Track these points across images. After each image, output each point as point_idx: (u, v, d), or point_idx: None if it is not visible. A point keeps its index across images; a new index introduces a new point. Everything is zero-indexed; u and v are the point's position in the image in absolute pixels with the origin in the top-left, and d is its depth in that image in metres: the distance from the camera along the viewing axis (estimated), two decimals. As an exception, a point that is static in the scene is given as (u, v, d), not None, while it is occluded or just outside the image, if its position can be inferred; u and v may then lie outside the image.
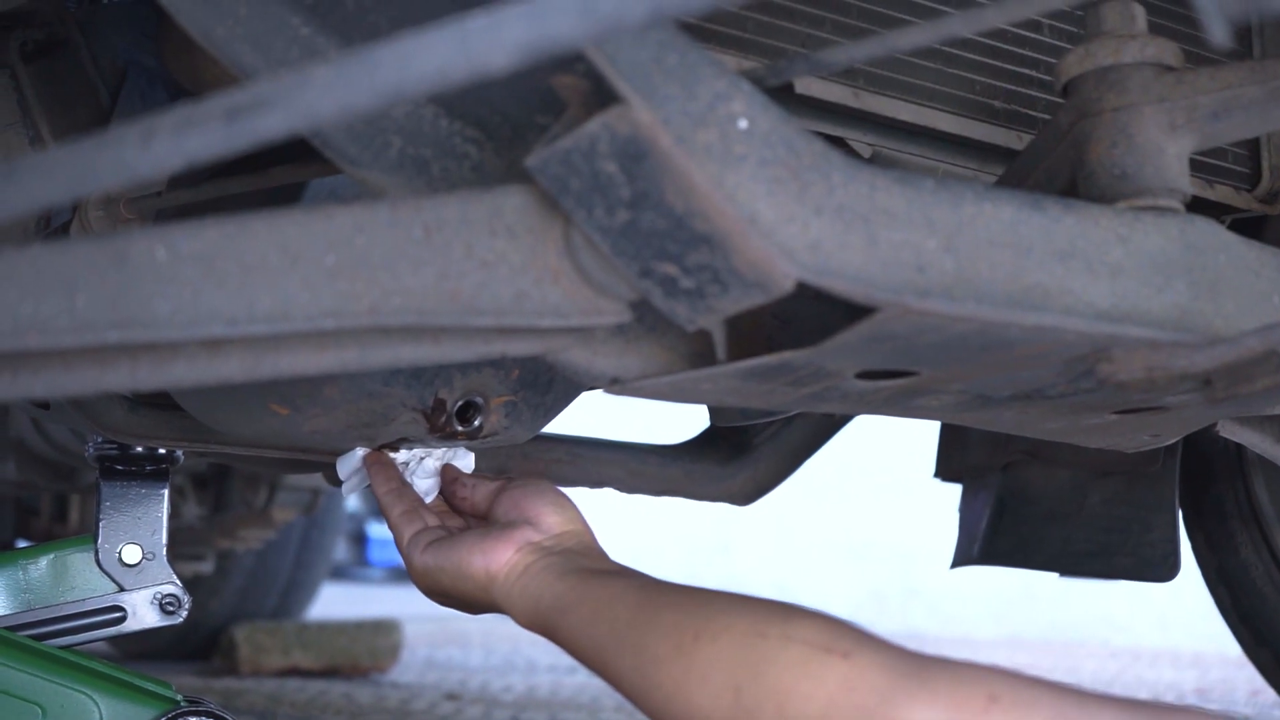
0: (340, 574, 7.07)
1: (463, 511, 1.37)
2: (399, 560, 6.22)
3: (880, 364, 1.02)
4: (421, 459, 1.41)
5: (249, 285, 0.88)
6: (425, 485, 1.40)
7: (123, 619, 1.67)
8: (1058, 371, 1.05)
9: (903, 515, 6.02)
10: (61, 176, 0.83)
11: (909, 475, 5.96)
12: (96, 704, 1.57)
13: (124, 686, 1.60)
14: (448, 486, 1.39)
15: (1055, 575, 1.89)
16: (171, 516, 1.98)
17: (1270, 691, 2.07)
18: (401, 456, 1.42)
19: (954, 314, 0.93)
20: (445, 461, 1.41)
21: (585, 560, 1.25)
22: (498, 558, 1.25)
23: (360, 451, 1.46)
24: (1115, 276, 0.98)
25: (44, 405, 1.60)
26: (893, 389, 1.08)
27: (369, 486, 1.45)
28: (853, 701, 0.97)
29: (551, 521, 1.29)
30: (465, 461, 1.41)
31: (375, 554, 7.90)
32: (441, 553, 1.29)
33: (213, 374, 0.91)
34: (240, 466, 2.69)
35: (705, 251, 0.89)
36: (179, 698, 1.61)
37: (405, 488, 1.39)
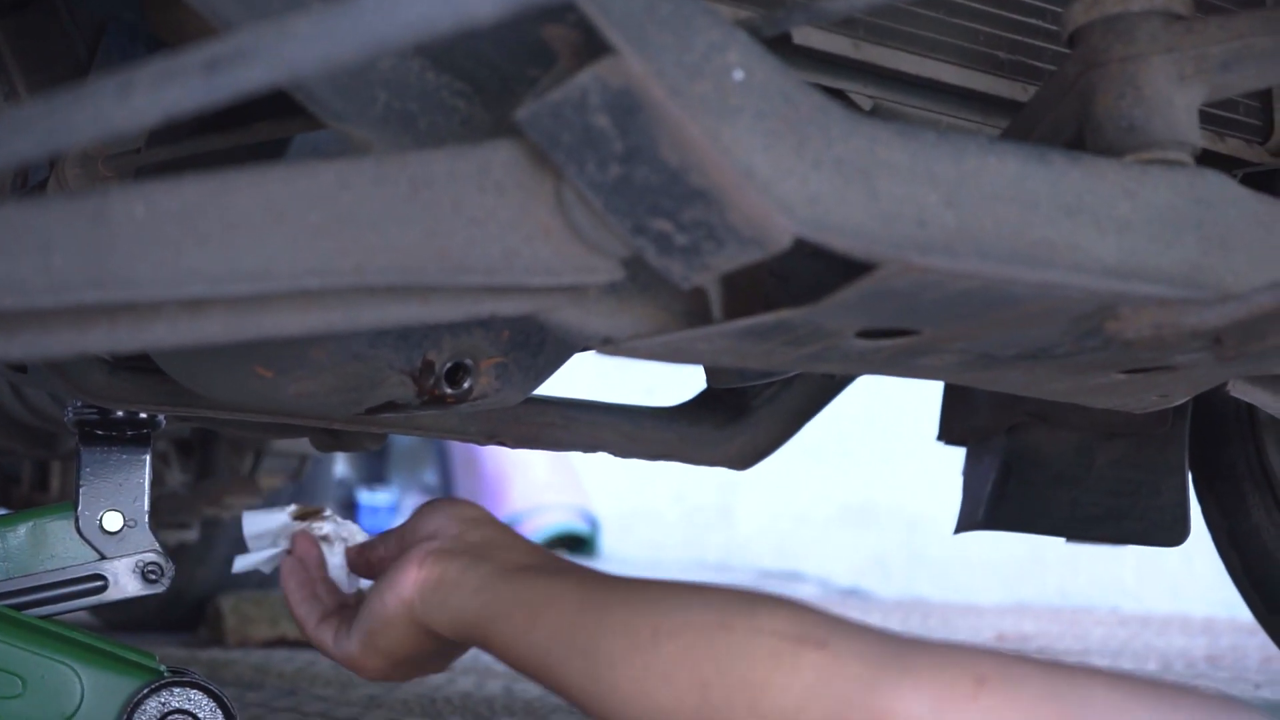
0: (334, 542, 7.06)
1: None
2: (390, 526, 6.22)
3: (881, 322, 1.00)
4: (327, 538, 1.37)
5: (231, 243, 0.85)
6: (337, 562, 1.37)
7: (104, 588, 1.65)
8: (1064, 330, 1.03)
9: (906, 480, 6.01)
10: (37, 131, 0.81)
11: (912, 439, 5.95)
12: (78, 675, 1.55)
13: (106, 657, 1.58)
14: (356, 558, 1.35)
15: (1062, 540, 1.86)
16: (155, 484, 1.96)
17: (1281, 659, 2.05)
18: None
19: (956, 270, 0.90)
20: (343, 542, 1.37)
21: (501, 555, 1.19)
22: (404, 583, 1.20)
23: (282, 516, 1.40)
24: (1123, 231, 0.96)
25: (21, 369, 1.57)
26: (894, 348, 1.05)
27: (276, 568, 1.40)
28: (832, 692, 0.93)
29: (446, 526, 1.24)
30: (354, 532, 1.38)
31: (365, 522, 7.89)
32: (357, 618, 1.25)
33: (194, 335, 0.88)
34: (225, 432, 2.67)
35: (700, 207, 0.87)
36: (163, 668, 1.59)
37: (316, 586, 1.35)
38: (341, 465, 7.61)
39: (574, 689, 1.07)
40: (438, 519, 1.25)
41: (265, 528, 1.42)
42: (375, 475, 8.20)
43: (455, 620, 1.17)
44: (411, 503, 8.06)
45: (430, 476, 8.16)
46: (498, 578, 1.15)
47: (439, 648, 1.24)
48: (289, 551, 1.39)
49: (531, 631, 1.10)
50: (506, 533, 1.24)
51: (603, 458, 1.80)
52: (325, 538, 1.38)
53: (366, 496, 7.93)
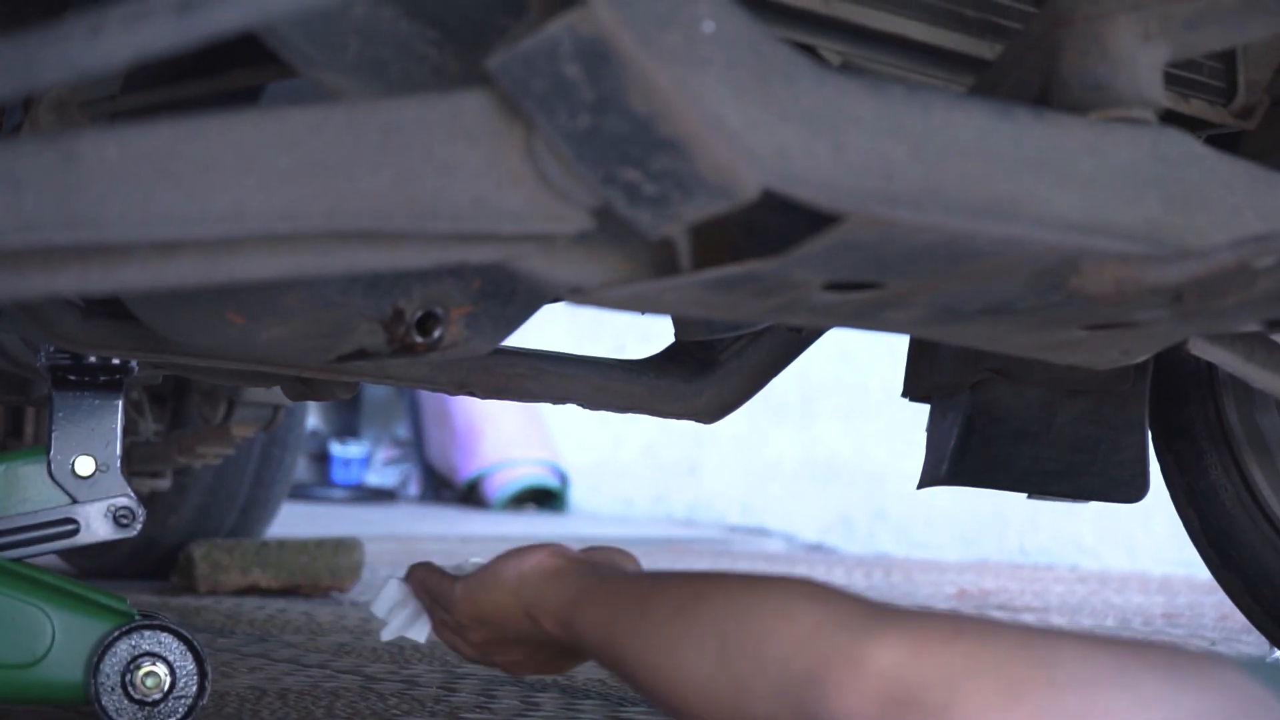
0: (302, 493, 7.05)
1: None
2: (362, 479, 6.17)
3: (847, 275, 1.01)
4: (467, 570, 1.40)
5: (202, 186, 0.86)
6: None
7: (75, 531, 1.66)
8: (1027, 284, 1.04)
9: (871, 438, 6.04)
10: (6, 71, 0.81)
11: (877, 397, 5.97)
12: (49, 617, 1.56)
13: (77, 600, 1.59)
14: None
15: (1023, 497, 1.88)
16: (128, 433, 1.96)
17: (1238, 616, 2.07)
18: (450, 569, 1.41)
19: (921, 223, 0.92)
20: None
21: (618, 565, 1.30)
22: (529, 560, 1.29)
23: (394, 581, 1.44)
24: (1086, 187, 0.97)
25: (-8, 312, 1.58)
26: (860, 301, 1.07)
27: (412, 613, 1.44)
28: (823, 637, 0.99)
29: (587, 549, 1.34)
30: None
31: (338, 473, 7.89)
32: (476, 574, 1.34)
33: (165, 277, 0.89)
34: (197, 379, 2.67)
35: (669, 157, 0.87)
36: (134, 612, 1.60)
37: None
38: (314, 418, 7.61)
39: (627, 662, 1.15)
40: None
41: (391, 599, 1.44)
42: (347, 429, 8.21)
43: (553, 608, 1.26)
44: (383, 455, 8.08)
45: (402, 430, 8.17)
46: (599, 578, 1.24)
47: (526, 634, 1.31)
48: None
49: (602, 615, 1.20)
50: (631, 561, 1.33)
51: (573, 412, 1.81)
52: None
53: (339, 449, 7.94)
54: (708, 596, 1.09)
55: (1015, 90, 1.10)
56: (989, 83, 1.12)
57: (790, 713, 0.99)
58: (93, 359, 1.63)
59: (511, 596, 1.29)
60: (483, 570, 1.33)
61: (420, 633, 1.44)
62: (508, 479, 7.30)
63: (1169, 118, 1.30)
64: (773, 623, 1.03)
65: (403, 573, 1.44)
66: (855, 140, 0.90)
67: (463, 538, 5.37)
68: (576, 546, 1.34)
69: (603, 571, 1.26)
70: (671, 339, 1.84)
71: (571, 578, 1.26)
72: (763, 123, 0.87)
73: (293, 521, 4.16)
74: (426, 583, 1.41)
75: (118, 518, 1.66)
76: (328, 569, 3.31)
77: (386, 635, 1.45)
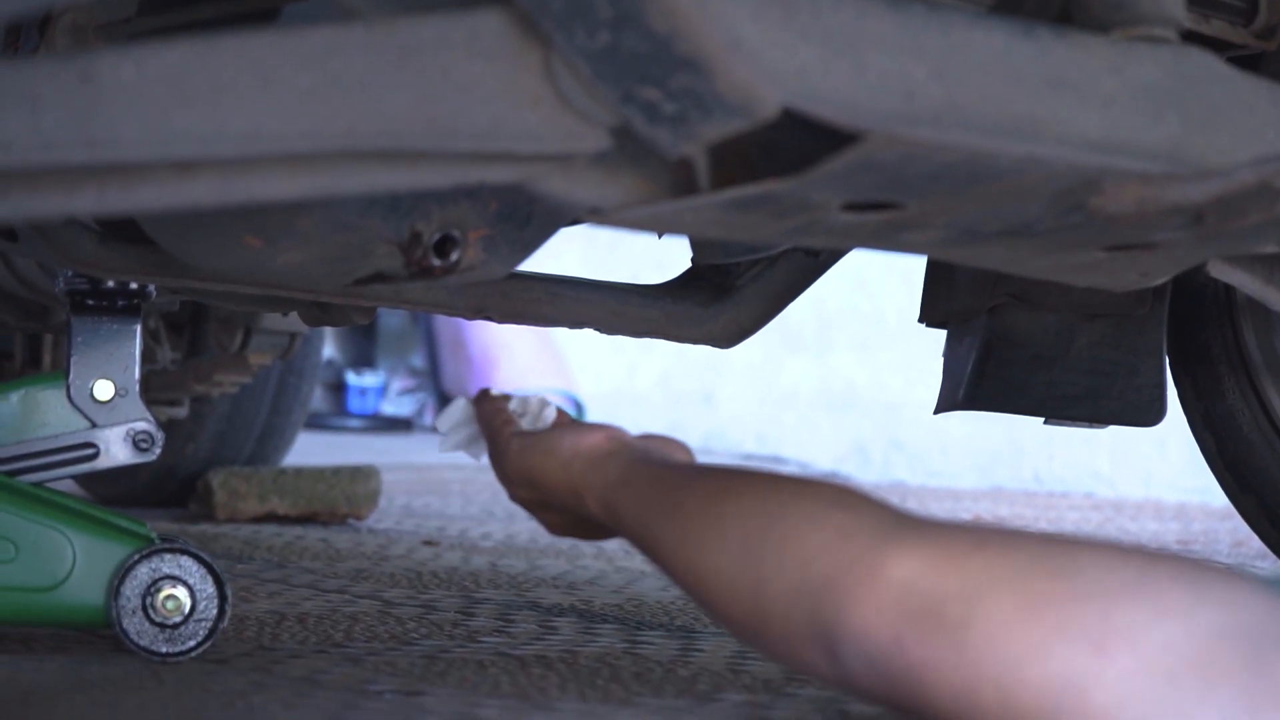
0: (319, 423, 7.07)
1: None
2: (378, 408, 6.17)
3: (866, 195, 1.00)
4: (532, 406, 1.41)
5: (219, 106, 0.86)
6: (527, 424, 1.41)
7: (95, 455, 1.66)
8: (1047, 205, 1.04)
9: (886, 366, 6.03)
10: (22, -11, 0.81)
11: (893, 326, 5.97)
12: (70, 540, 1.57)
13: (98, 524, 1.59)
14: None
15: (1039, 424, 1.88)
16: (145, 360, 1.96)
17: (1253, 541, 2.08)
18: (513, 404, 1.43)
19: (941, 142, 0.91)
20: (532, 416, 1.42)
21: (669, 455, 1.30)
22: (586, 439, 1.31)
23: (461, 401, 1.46)
24: (1107, 107, 0.97)
25: (11, 236, 1.58)
26: (878, 221, 1.06)
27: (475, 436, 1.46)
28: (844, 546, 0.99)
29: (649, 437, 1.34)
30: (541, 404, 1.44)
31: (354, 403, 7.91)
32: (534, 436, 1.35)
33: (182, 197, 0.89)
34: (214, 304, 2.67)
35: (688, 75, 0.87)
36: (154, 535, 1.61)
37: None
38: (329, 348, 7.61)
39: (659, 549, 1.17)
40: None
41: (454, 419, 1.46)
42: (363, 359, 8.22)
43: (599, 489, 1.27)
44: (399, 385, 8.09)
45: (417, 360, 8.18)
46: (645, 463, 1.26)
47: (569, 507, 1.33)
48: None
49: (640, 499, 1.21)
50: (687, 454, 1.33)
51: (588, 341, 1.81)
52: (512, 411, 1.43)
53: (354, 379, 7.95)
54: (738, 492, 1.10)
55: (1036, 9, 1.09)
56: (1010, 2, 1.12)
57: (805, 615, 0.99)
58: (110, 284, 1.63)
59: (562, 470, 1.30)
60: (540, 437, 1.34)
61: (476, 455, 1.47)
62: (523, 407, 7.30)
63: (1190, 37, 1.29)
64: (796, 524, 1.03)
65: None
66: (875, 59, 0.89)
67: (480, 466, 5.38)
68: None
69: (653, 459, 1.27)
70: (686, 266, 1.84)
71: (620, 461, 1.27)
72: (782, 41, 0.86)
73: (310, 451, 4.18)
74: (490, 420, 1.42)
75: (137, 442, 1.66)
76: (345, 497, 3.32)
77: (442, 449, 1.48)
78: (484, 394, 1.45)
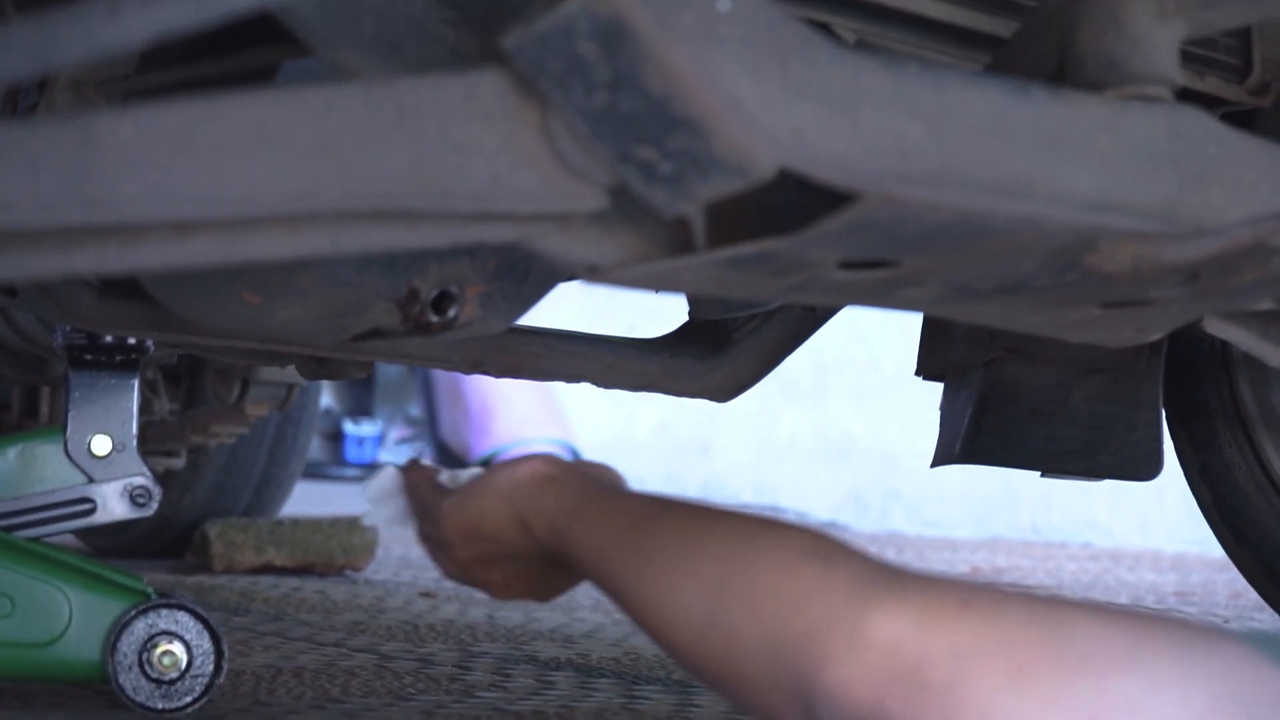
0: (316, 472, 7.07)
1: None
2: (375, 458, 6.16)
3: (862, 253, 1.01)
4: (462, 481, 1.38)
5: (219, 166, 0.86)
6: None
7: (92, 510, 1.66)
8: (1042, 263, 1.04)
9: (884, 416, 6.03)
10: (24, 49, 0.81)
11: (890, 376, 5.97)
12: (67, 596, 1.56)
13: (94, 579, 1.59)
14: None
15: (1037, 475, 1.88)
16: (143, 412, 1.97)
17: (1250, 593, 2.07)
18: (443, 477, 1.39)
19: (937, 201, 0.91)
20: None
21: (609, 481, 1.24)
22: (522, 468, 1.23)
23: (391, 469, 1.41)
24: (1102, 165, 0.97)
25: (11, 292, 1.58)
26: (875, 279, 1.06)
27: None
28: (826, 599, 0.96)
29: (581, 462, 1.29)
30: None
31: (351, 452, 7.91)
32: (465, 485, 1.28)
33: (182, 257, 0.89)
34: (212, 358, 2.67)
35: (685, 136, 0.87)
36: (150, 591, 1.61)
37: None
38: (327, 397, 7.61)
39: (620, 588, 1.11)
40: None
41: (384, 488, 1.43)
42: (360, 408, 8.22)
43: (545, 518, 1.20)
44: (396, 435, 8.08)
45: (415, 409, 8.18)
46: (594, 491, 1.19)
47: (516, 547, 1.25)
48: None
49: (598, 530, 1.15)
50: (622, 480, 1.28)
51: (586, 391, 1.81)
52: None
53: (352, 428, 7.95)
54: (712, 533, 1.06)
55: (1031, 68, 1.09)
56: (1004, 60, 1.12)
57: (780, 671, 0.96)
58: (109, 338, 1.64)
59: (504, 504, 1.23)
60: (473, 483, 1.27)
61: (407, 527, 1.41)
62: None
63: (1184, 95, 1.29)
64: (775, 576, 0.99)
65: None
66: (871, 118, 0.90)
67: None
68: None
69: (601, 485, 1.21)
70: (684, 318, 1.84)
71: (569, 487, 1.20)
72: (778, 101, 0.87)
73: (307, 500, 4.17)
74: (417, 490, 1.35)
75: (134, 497, 1.67)
76: (342, 548, 3.32)
77: (368, 522, 1.43)
78: (414, 464, 1.40)
